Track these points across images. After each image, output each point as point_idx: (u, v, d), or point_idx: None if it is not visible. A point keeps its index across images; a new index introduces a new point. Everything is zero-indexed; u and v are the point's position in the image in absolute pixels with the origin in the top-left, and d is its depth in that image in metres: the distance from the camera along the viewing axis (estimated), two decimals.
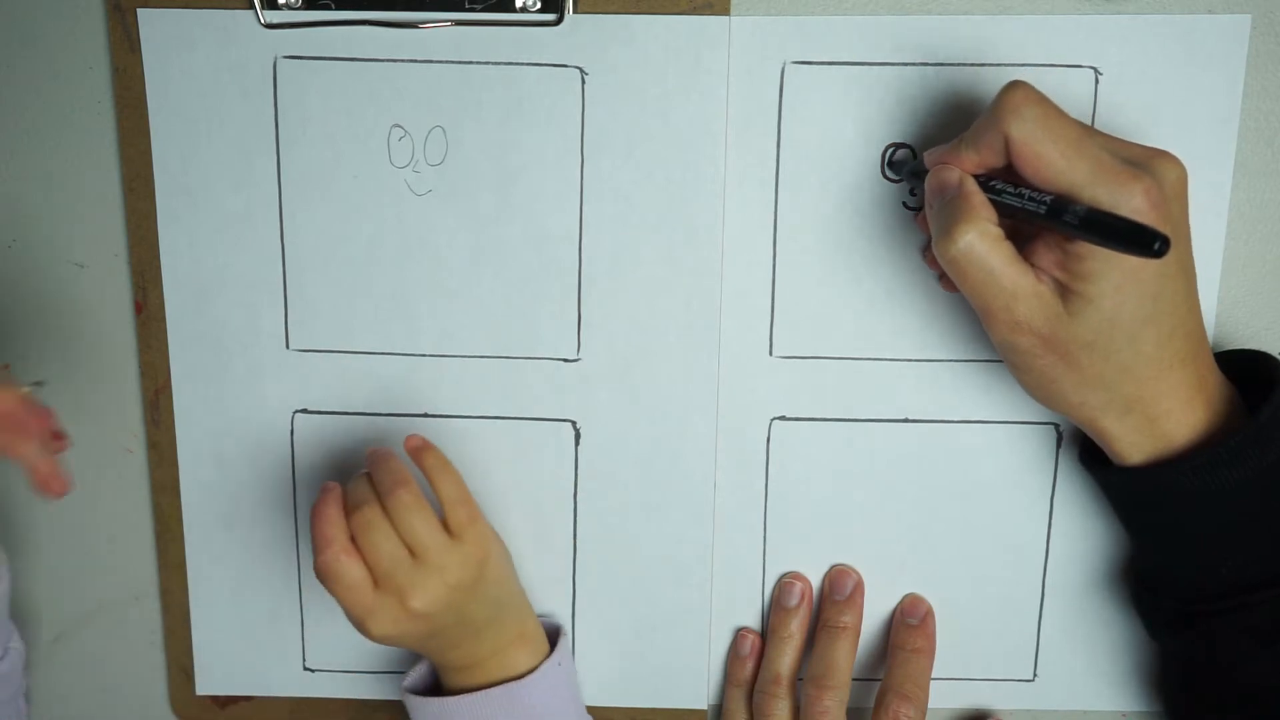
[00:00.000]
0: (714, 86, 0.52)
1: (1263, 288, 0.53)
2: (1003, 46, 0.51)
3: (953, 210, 0.44)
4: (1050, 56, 0.51)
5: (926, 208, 0.46)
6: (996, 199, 0.44)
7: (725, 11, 0.51)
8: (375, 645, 0.58)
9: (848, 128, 0.52)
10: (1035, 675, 0.57)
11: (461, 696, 0.52)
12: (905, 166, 0.51)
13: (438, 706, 0.53)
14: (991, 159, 0.45)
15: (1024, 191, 0.43)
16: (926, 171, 0.47)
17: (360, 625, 0.49)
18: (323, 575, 0.48)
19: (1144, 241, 0.39)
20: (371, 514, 0.49)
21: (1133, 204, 0.41)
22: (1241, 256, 0.53)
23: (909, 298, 0.54)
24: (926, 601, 0.56)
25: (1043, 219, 0.42)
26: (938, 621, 0.56)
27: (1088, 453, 0.52)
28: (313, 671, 0.59)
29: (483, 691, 0.52)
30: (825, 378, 0.55)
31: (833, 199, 0.53)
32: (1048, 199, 0.42)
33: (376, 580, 0.48)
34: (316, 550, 0.48)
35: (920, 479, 0.55)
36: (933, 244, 0.45)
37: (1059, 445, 0.55)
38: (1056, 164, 0.43)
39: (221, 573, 0.58)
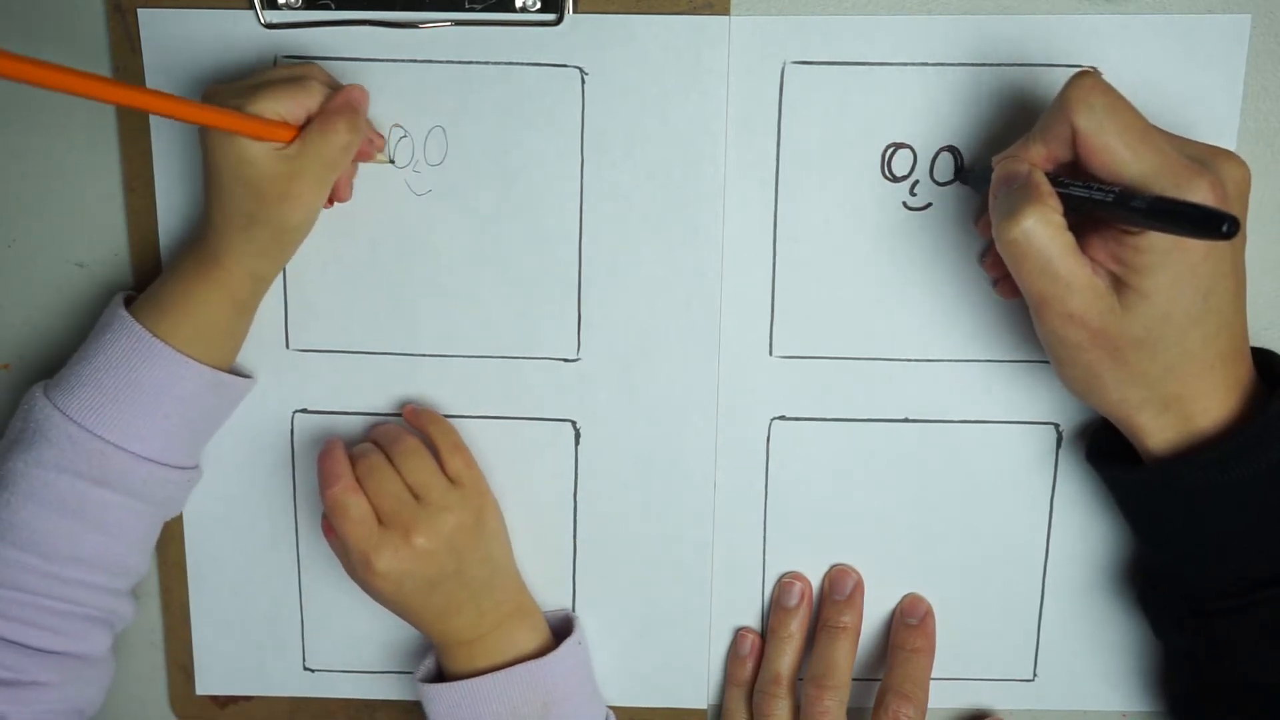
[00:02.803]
0: (714, 86, 0.52)
1: (1263, 288, 0.53)
2: (1003, 46, 0.51)
3: (1019, 196, 0.44)
4: (1050, 56, 0.51)
5: (991, 200, 0.46)
6: (1063, 191, 0.44)
7: (725, 11, 0.51)
8: (374, 644, 0.58)
9: (848, 128, 0.52)
10: (1035, 675, 0.57)
11: (485, 677, 0.52)
12: (972, 174, 0.51)
13: (466, 689, 0.52)
14: (1059, 151, 0.45)
15: (1090, 183, 0.43)
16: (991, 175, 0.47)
17: (364, 562, 0.50)
18: (331, 509, 0.50)
19: (1212, 224, 0.39)
20: (377, 459, 0.52)
21: (1197, 199, 0.41)
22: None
23: (909, 298, 0.54)
24: (926, 601, 0.56)
25: (1109, 208, 0.42)
26: (938, 621, 0.56)
27: (1094, 451, 0.52)
28: (313, 671, 0.59)
29: (505, 670, 0.52)
30: (825, 378, 0.55)
31: (833, 199, 0.53)
32: (1115, 188, 0.42)
33: (382, 519, 0.50)
34: (324, 486, 0.51)
35: (920, 479, 0.55)
36: (994, 229, 0.45)
37: (1059, 445, 0.55)
38: (1122, 156, 0.43)
39: (221, 573, 0.58)
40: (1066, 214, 0.44)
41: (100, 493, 0.49)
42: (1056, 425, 0.55)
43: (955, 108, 0.52)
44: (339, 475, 0.51)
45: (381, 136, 0.53)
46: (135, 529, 0.52)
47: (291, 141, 0.48)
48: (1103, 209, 0.42)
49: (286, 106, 0.47)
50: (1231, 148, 0.51)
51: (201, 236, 0.50)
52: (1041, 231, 0.43)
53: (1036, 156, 0.45)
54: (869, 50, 0.51)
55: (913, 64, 0.51)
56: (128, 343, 0.49)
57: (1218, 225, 0.39)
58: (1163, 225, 0.41)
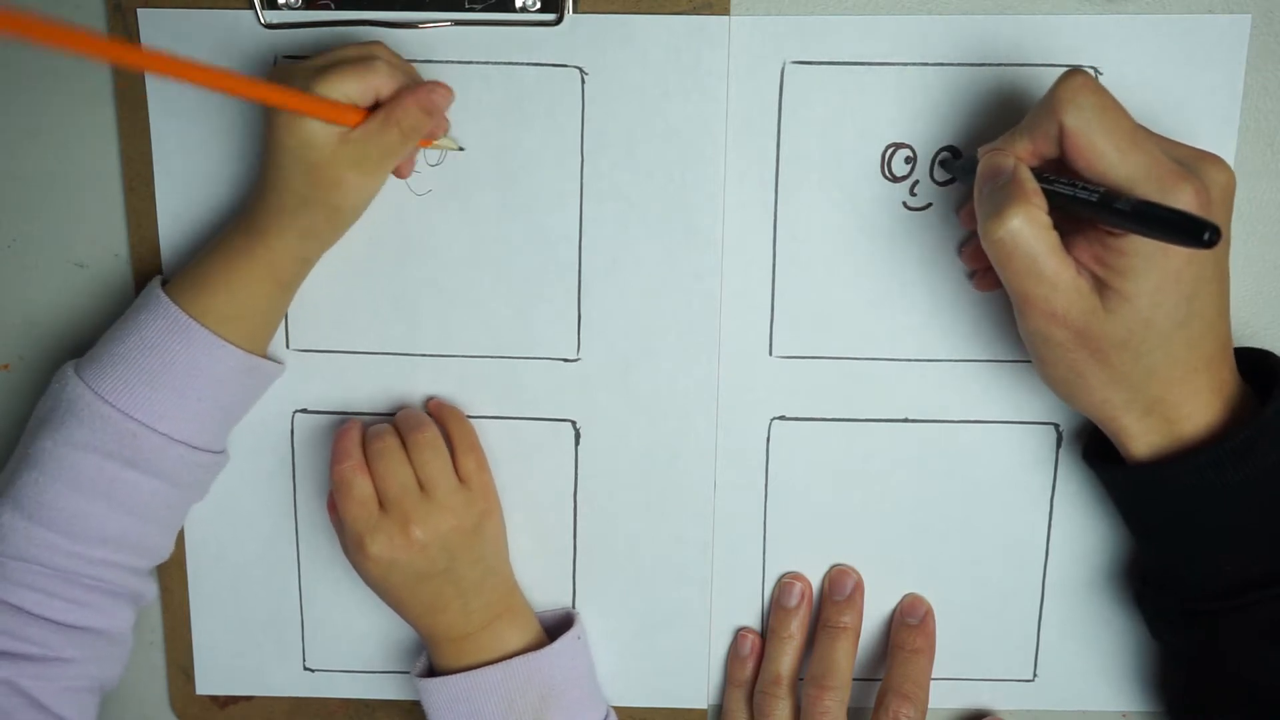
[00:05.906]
0: (714, 86, 0.52)
1: (1263, 288, 0.53)
2: (1003, 46, 0.51)
3: (1005, 194, 0.44)
4: (1050, 56, 0.51)
5: (975, 194, 0.46)
6: (1048, 188, 0.44)
7: (725, 11, 0.51)
8: (374, 644, 0.58)
9: (848, 128, 0.52)
10: (1035, 675, 0.57)
11: (482, 669, 0.52)
12: (956, 163, 0.51)
13: (463, 682, 0.52)
14: (1045, 148, 0.44)
15: (1076, 181, 0.43)
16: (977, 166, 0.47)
17: (358, 544, 0.50)
18: (336, 485, 0.51)
19: (1194, 232, 0.38)
20: (391, 442, 0.52)
21: (1181, 204, 0.41)
22: (1241, 256, 0.53)
23: (909, 298, 0.54)
24: (926, 601, 0.56)
25: (1093, 208, 0.42)
26: (938, 621, 0.56)
27: (1091, 449, 0.52)
28: (313, 671, 0.59)
29: (503, 663, 0.52)
30: (825, 378, 0.55)
31: (833, 199, 0.53)
32: (1100, 189, 0.42)
33: (383, 505, 0.51)
34: (334, 462, 0.51)
35: (920, 479, 0.55)
36: (979, 227, 0.44)
37: (1059, 445, 0.55)
38: (1109, 157, 0.42)
39: (221, 573, 0.58)
40: (1051, 212, 0.44)
41: (130, 474, 0.49)
42: (1056, 425, 0.55)
43: (955, 108, 0.52)
44: (349, 454, 0.51)
45: (447, 120, 0.52)
46: (162, 511, 0.52)
47: (357, 126, 0.47)
48: (1086, 209, 0.42)
49: (354, 88, 0.47)
50: (1231, 148, 0.51)
51: (249, 214, 0.50)
52: (1027, 231, 0.43)
53: (1023, 151, 0.45)
54: (869, 50, 0.51)
55: (913, 64, 0.51)
56: (163, 324, 0.49)
57: (1199, 233, 0.38)
58: (1145, 229, 0.41)
